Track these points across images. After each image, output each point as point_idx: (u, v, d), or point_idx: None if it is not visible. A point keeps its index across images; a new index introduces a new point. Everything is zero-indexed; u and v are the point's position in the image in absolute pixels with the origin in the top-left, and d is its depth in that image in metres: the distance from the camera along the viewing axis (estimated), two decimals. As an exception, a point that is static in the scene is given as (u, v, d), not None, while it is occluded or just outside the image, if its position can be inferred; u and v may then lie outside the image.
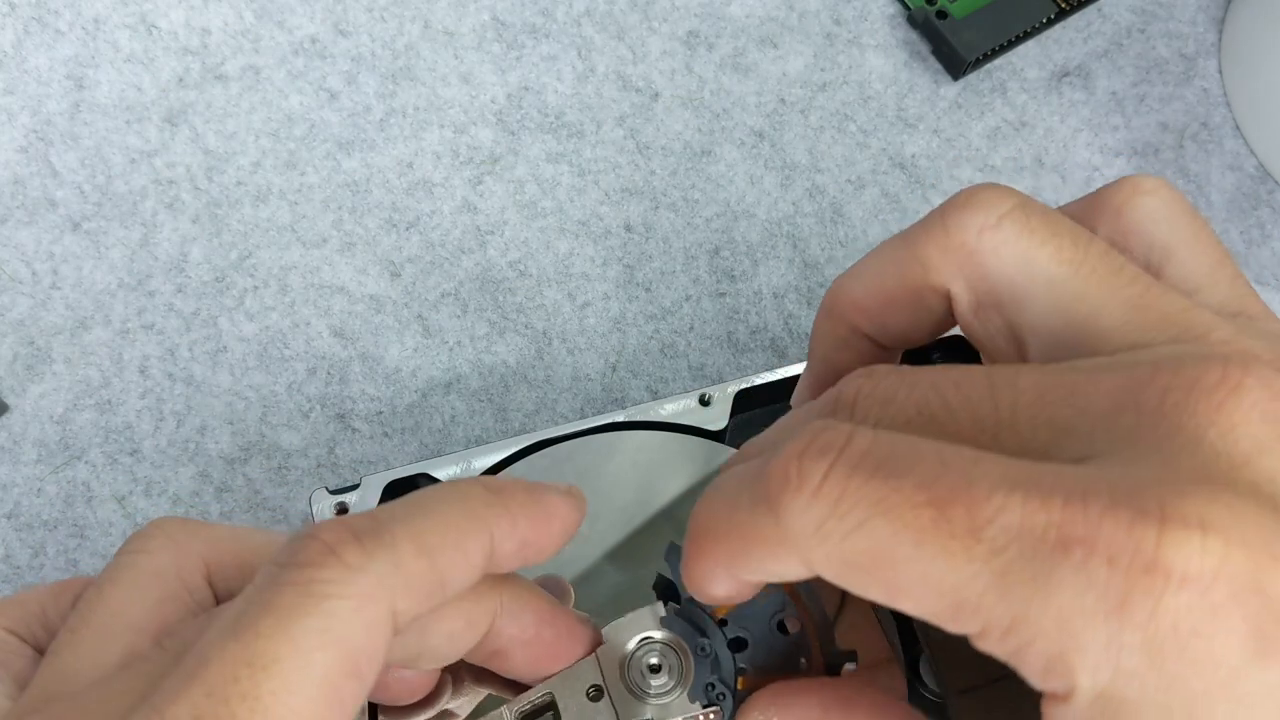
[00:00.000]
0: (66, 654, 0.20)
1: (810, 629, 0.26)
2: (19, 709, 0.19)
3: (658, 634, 0.27)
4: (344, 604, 0.17)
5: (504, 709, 0.24)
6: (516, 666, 0.24)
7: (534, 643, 0.23)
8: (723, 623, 0.26)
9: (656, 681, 0.26)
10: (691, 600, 0.26)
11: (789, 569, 0.18)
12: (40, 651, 0.21)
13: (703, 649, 0.26)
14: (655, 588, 0.27)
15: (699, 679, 0.26)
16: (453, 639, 0.22)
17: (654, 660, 0.27)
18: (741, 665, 0.26)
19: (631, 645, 0.27)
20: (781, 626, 0.27)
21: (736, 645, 0.27)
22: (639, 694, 0.26)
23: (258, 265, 0.41)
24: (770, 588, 0.26)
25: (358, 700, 0.18)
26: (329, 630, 0.17)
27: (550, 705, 0.25)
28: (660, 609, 0.27)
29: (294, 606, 0.17)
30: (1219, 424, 0.16)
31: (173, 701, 0.17)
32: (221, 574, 0.22)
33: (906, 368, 0.20)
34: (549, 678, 0.24)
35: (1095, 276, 0.19)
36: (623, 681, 0.26)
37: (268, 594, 0.17)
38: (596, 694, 0.25)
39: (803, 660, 0.26)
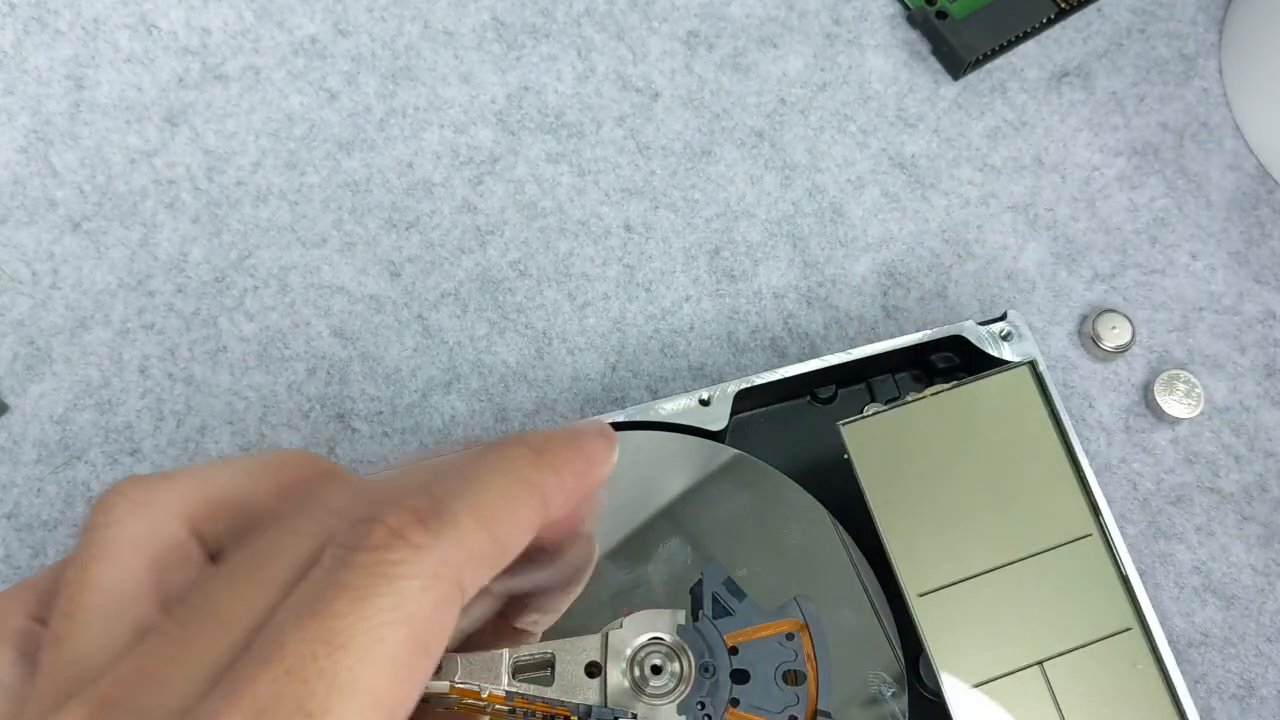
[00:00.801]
0: (71, 640, 0.20)
1: (812, 690, 0.27)
2: (37, 708, 0.19)
3: (668, 637, 0.27)
4: (413, 584, 0.18)
5: (505, 651, 0.24)
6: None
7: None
8: (733, 650, 0.27)
9: (655, 682, 0.26)
10: (713, 617, 0.26)
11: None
12: None
13: (708, 668, 0.27)
14: (691, 593, 0.27)
15: (694, 694, 0.26)
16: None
17: (658, 661, 0.27)
18: (735, 696, 0.27)
19: (642, 639, 0.27)
20: (786, 677, 0.27)
21: (738, 677, 0.27)
22: (635, 688, 0.26)
23: (258, 265, 0.41)
24: (789, 638, 0.26)
25: (427, 674, 0.19)
26: (400, 609, 0.18)
27: (549, 664, 0.25)
28: (681, 616, 0.27)
29: (366, 587, 0.18)
30: None
31: (252, 681, 0.17)
32: (201, 521, 0.22)
33: None
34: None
35: None
36: (624, 670, 0.26)
37: (339, 575, 0.18)
38: (593, 671, 0.25)
39: (793, 718, 0.26)
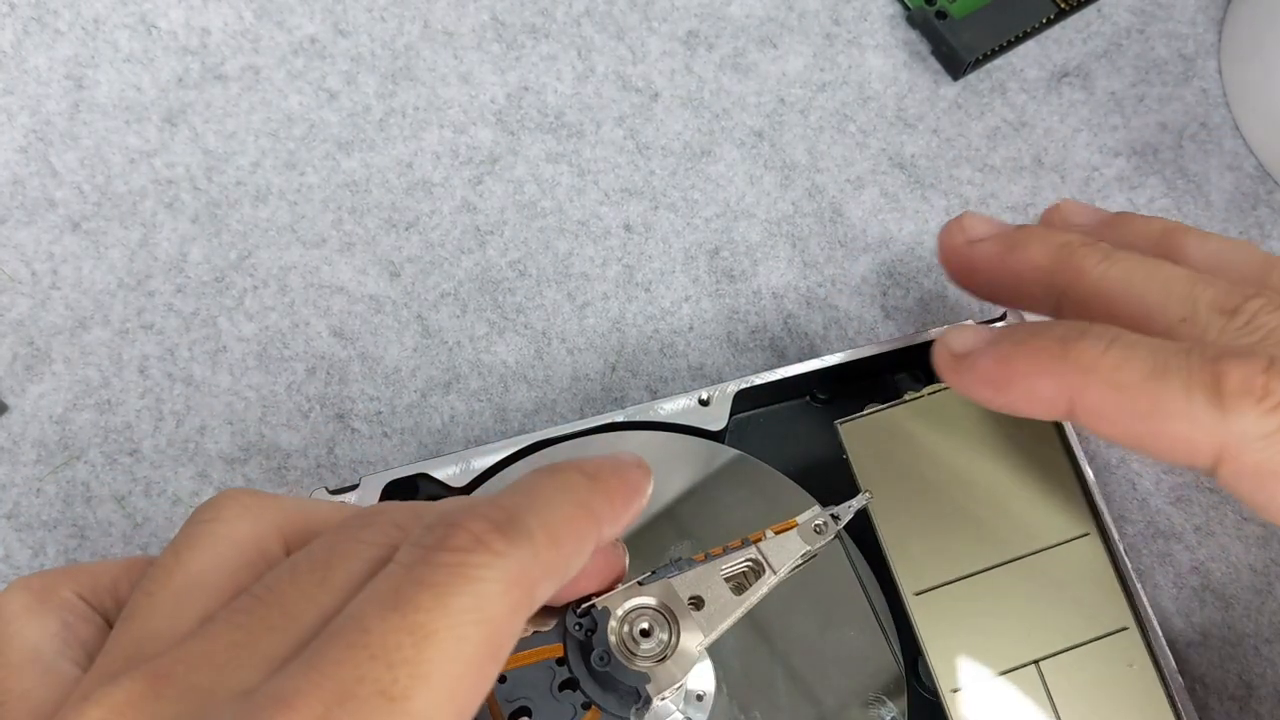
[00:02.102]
0: (143, 617, 0.20)
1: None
2: (98, 673, 0.19)
3: (653, 600, 0.27)
4: (493, 587, 0.19)
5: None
6: (558, 596, 0.25)
7: (581, 575, 0.25)
8: (502, 679, 0.27)
9: (645, 645, 0.26)
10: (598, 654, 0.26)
11: (1190, 448, 0.23)
12: (109, 622, 0.21)
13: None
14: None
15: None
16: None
17: (645, 625, 0.27)
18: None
19: (628, 605, 0.27)
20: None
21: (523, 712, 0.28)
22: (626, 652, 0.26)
23: (257, 265, 0.41)
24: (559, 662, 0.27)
25: (492, 680, 0.19)
26: (480, 609, 0.18)
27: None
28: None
29: (449, 585, 0.18)
30: None
31: (337, 662, 0.17)
32: (296, 543, 0.22)
33: None
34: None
35: None
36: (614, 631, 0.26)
37: (420, 572, 0.18)
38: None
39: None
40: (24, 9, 0.44)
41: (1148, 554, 0.38)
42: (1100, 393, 0.24)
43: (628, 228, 0.42)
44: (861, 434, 0.34)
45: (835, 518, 0.29)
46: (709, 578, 0.27)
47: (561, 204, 0.42)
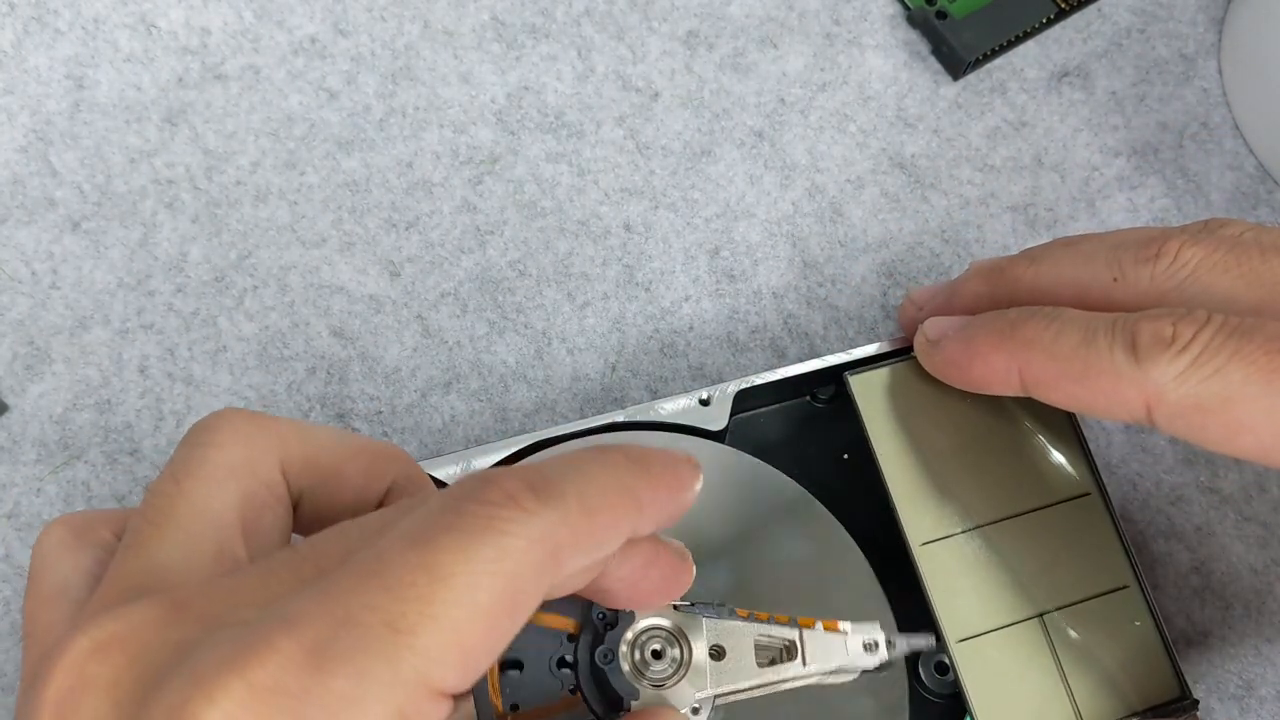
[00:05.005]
0: (152, 546, 0.20)
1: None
2: (108, 592, 0.19)
3: (667, 622, 0.27)
4: (518, 542, 0.18)
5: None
6: (618, 601, 0.24)
7: (640, 582, 0.24)
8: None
9: (657, 667, 0.26)
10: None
11: (1123, 401, 0.26)
12: None
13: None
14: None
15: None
16: (572, 580, 0.23)
17: (658, 646, 0.27)
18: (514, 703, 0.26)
19: (641, 625, 0.26)
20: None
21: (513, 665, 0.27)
22: (636, 673, 0.26)
23: (257, 265, 0.41)
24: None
25: (506, 639, 0.19)
26: (501, 561, 0.18)
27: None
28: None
29: (473, 532, 0.18)
30: None
31: (348, 590, 0.17)
32: (294, 471, 0.22)
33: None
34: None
35: None
36: (625, 655, 0.26)
37: (448, 517, 0.18)
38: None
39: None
40: (24, 9, 0.44)
41: (1148, 554, 0.38)
42: (1042, 363, 0.27)
43: (628, 227, 0.42)
44: (871, 386, 0.34)
45: (890, 643, 0.27)
46: (741, 636, 0.26)
47: (561, 204, 0.42)
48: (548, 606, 0.25)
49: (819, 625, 0.26)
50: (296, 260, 0.41)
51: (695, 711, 0.26)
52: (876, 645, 0.26)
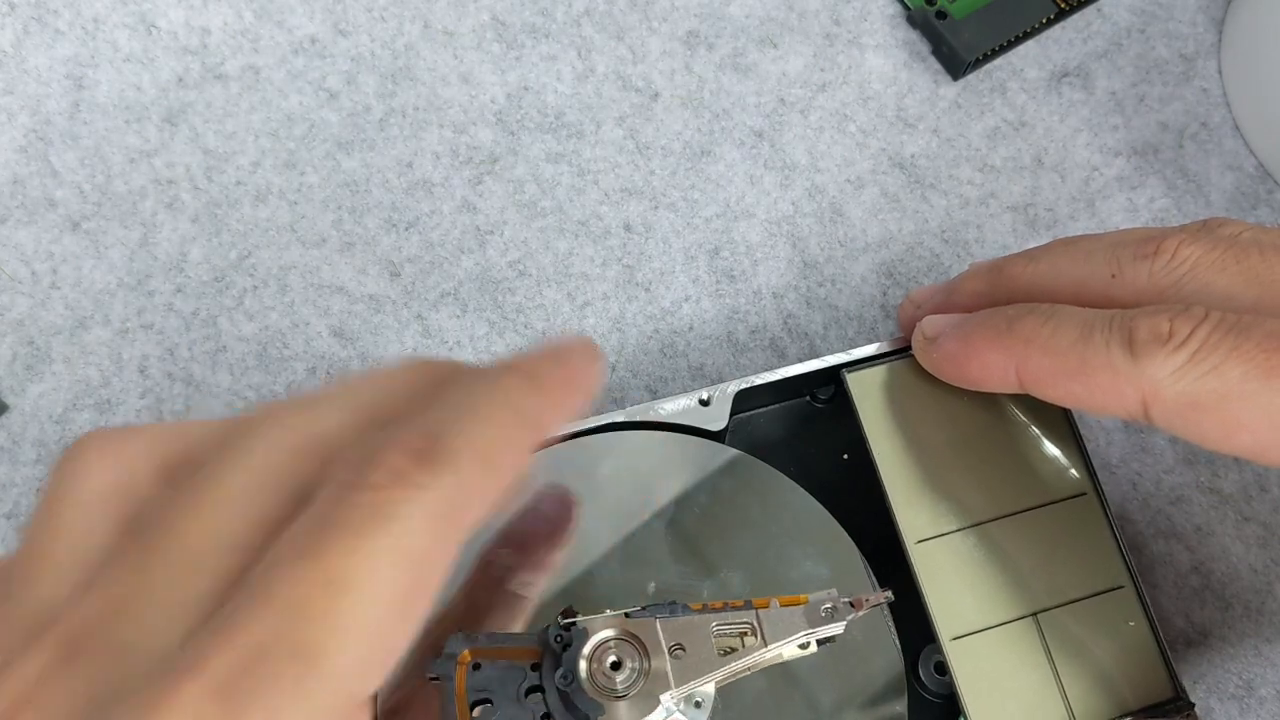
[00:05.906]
0: (35, 584, 0.18)
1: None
2: (4, 653, 0.18)
3: (614, 631, 0.26)
4: (414, 523, 0.18)
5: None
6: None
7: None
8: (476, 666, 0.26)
9: (619, 678, 0.26)
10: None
11: (1119, 397, 0.25)
12: None
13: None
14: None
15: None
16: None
17: (615, 658, 0.26)
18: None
19: (596, 639, 0.26)
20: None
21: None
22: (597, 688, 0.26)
23: (257, 265, 0.41)
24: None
25: (424, 612, 0.18)
26: (399, 548, 0.17)
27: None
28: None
29: (365, 525, 0.17)
30: None
31: (246, 621, 0.16)
32: (178, 475, 0.20)
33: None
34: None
35: None
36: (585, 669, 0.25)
37: (338, 513, 0.17)
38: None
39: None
40: (24, 9, 0.44)
41: (1148, 554, 0.38)
42: (1039, 359, 0.27)
43: (628, 228, 0.42)
44: (869, 383, 0.34)
45: (850, 604, 0.26)
46: (698, 630, 0.26)
47: (561, 204, 0.42)
48: (502, 642, 0.25)
49: (774, 603, 0.26)
50: (296, 260, 0.41)
51: (698, 706, 0.26)
52: (834, 609, 0.26)
